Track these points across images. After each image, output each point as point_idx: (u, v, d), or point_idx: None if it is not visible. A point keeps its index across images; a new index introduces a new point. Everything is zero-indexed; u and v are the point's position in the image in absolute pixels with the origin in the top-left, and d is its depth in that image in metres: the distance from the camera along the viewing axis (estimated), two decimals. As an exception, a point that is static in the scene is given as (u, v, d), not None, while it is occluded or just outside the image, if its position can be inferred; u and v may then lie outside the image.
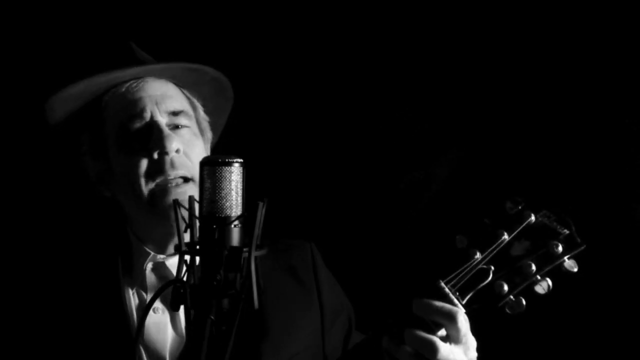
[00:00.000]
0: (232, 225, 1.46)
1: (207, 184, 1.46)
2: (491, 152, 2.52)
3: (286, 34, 2.60)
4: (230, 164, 1.46)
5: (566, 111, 2.49)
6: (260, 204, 1.48)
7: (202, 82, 2.06)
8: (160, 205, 1.89)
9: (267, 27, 2.61)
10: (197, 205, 1.50)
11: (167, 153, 1.89)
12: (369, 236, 2.60)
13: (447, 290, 1.63)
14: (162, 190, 1.89)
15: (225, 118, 2.19)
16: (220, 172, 1.46)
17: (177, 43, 2.05)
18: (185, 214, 1.50)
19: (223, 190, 1.46)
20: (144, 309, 1.51)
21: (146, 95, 1.95)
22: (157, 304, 1.93)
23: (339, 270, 2.14)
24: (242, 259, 1.45)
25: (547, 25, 2.49)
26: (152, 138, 1.90)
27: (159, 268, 1.96)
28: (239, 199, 1.47)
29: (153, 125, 1.92)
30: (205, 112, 2.09)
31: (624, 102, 2.44)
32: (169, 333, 1.92)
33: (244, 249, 1.45)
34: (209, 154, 2.08)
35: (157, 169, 1.89)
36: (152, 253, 1.96)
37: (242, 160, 1.48)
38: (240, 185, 1.47)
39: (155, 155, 1.89)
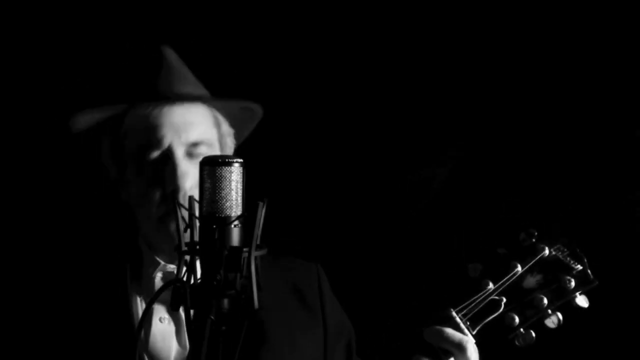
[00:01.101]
0: (232, 225, 1.45)
1: (207, 184, 1.46)
2: (491, 153, 2.52)
3: (286, 33, 2.61)
4: (230, 164, 1.46)
5: (566, 112, 2.49)
6: (260, 204, 1.48)
7: (231, 105, 2.04)
8: (169, 227, 1.88)
9: (268, 27, 2.61)
10: (197, 205, 1.49)
11: (179, 190, 1.87)
12: (371, 239, 2.59)
13: (457, 319, 1.64)
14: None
15: (251, 128, 2.15)
16: (220, 172, 1.45)
17: (179, 38, 2.05)
18: (185, 214, 1.49)
19: (223, 190, 1.45)
20: (144, 310, 1.51)
21: (168, 122, 1.91)
22: (164, 313, 1.93)
23: (341, 274, 2.13)
24: (242, 259, 1.44)
25: (547, 25, 2.50)
26: (167, 172, 1.89)
27: (169, 277, 1.94)
28: (239, 199, 1.47)
29: (169, 158, 1.89)
30: (231, 124, 2.06)
31: (625, 103, 2.44)
32: (174, 344, 1.91)
33: (244, 249, 1.45)
34: None
35: (169, 201, 1.87)
36: (162, 263, 1.95)
37: (242, 160, 1.48)
38: (240, 185, 1.47)
39: (169, 190, 1.89)
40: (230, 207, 1.46)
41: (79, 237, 2.08)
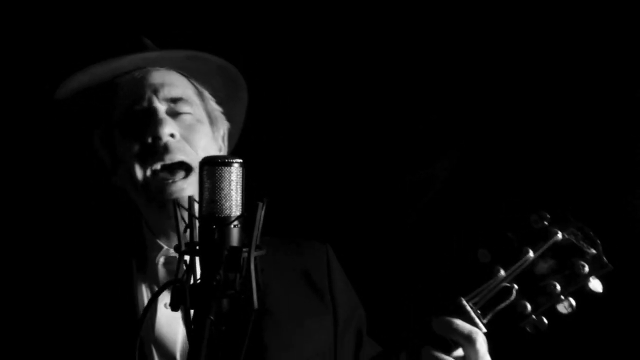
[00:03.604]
0: (232, 226, 1.45)
1: (207, 184, 1.46)
2: (492, 153, 2.50)
3: (287, 33, 2.60)
4: (229, 164, 1.46)
5: (566, 109, 2.47)
6: (260, 204, 1.48)
7: (208, 71, 2.06)
8: (157, 198, 1.90)
9: (269, 27, 2.61)
10: (196, 205, 1.49)
11: (159, 138, 1.89)
12: (372, 237, 2.58)
13: (468, 308, 1.62)
14: (159, 185, 1.89)
15: (242, 108, 2.19)
16: (220, 172, 1.45)
17: (179, 42, 2.08)
18: (185, 214, 1.50)
19: (223, 190, 1.45)
20: (146, 306, 1.51)
21: (146, 83, 1.97)
22: (169, 299, 1.92)
23: (351, 266, 2.11)
24: (242, 259, 1.44)
25: (547, 25, 2.46)
26: (146, 123, 1.91)
27: (171, 263, 1.95)
28: (239, 199, 1.47)
29: (149, 110, 1.93)
30: (217, 102, 2.09)
31: (625, 100, 2.41)
32: (180, 329, 1.91)
33: (244, 249, 1.45)
34: (223, 144, 2.09)
35: (151, 153, 1.90)
36: (165, 247, 1.96)
37: (241, 160, 1.48)
38: (240, 186, 1.47)
39: (149, 140, 1.90)
40: (230, 207, 1.46)
41: (85, 226, 2.09)
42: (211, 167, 1.46)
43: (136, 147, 1.91)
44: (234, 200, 1.46)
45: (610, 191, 2.40)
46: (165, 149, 1.89)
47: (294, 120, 2.48)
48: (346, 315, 2.02)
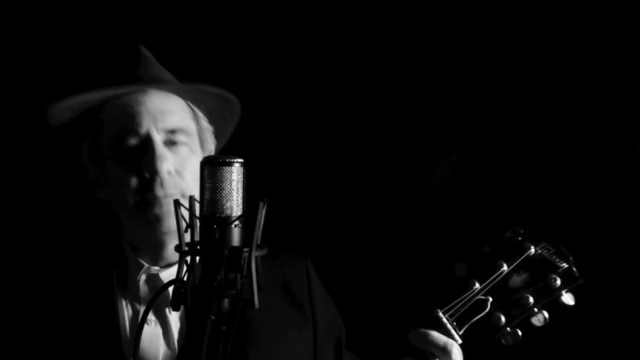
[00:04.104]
0: (233, 226, 1.45)
1: (208, 184, 1.46)
2: (489, 154, 2.54)
3: (286, 34, 2.61)
4: (230, 164, 1.46)
5: (565, 113, 2.51)
6: (261, 204, 1.48)
7: (206, 96, 2.04)
8: (146, 214, 1.89)
9: (268, 28, 2.62)
10: (197, 205, 1.49)
11: (158, 174, 1.88)
12: (369, 238, 2.59)
13: (444, 320, 1.67)
14: (150, 201, 1.88)
15: (232, 128, 2.17)
16: (221, 172, 1.45)
17: (179, 42, 2.05)
18: (186, 213, 1.49)
19: (224, 190, 1.45)
20: (141, 318, 1.49)
21: (145, 109, 1.93)
22: (150, 315, 1.91)
23: (335, 273, 2.13)
24: (243, 259, 1.44)
25: (547, 26, 2.51)
26: (145, 157, 1.89)
27: (153, 280, 1.95)
28: (240, 199, 1.47)
29: (148, 143, 1.90)
30: (210, 122, 2.08)
31: (623, 103, 2.47)
32: (161, 345, 1.90)
33: (245, 249, 1.44)
34: None
35: (147, 188, 1.88)
36: (146, 265, 1.94)
37: (242, 160, 1.47)
38: (240, 185, 1.47)
39: (147, 175, 1.89)
40: (231, 207, 1.45)
41: (65, 241, 2.05)
42: (212, 167, 1.46)
43: (132, 180, 1.89)
44: (234, 200, 1.46)
45: (609, 196, 2.46)
46: (162, 184, 1.88)
47: (288, 122, 2.49)
48: (326, 327, 2.04)
